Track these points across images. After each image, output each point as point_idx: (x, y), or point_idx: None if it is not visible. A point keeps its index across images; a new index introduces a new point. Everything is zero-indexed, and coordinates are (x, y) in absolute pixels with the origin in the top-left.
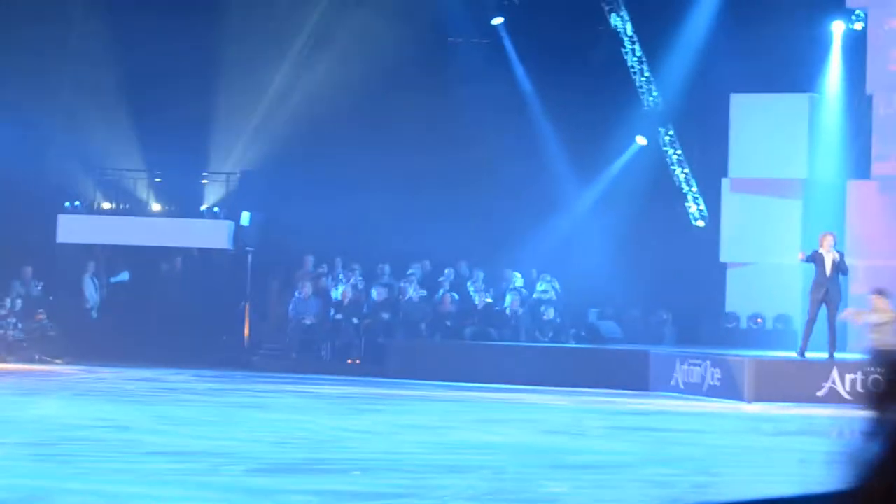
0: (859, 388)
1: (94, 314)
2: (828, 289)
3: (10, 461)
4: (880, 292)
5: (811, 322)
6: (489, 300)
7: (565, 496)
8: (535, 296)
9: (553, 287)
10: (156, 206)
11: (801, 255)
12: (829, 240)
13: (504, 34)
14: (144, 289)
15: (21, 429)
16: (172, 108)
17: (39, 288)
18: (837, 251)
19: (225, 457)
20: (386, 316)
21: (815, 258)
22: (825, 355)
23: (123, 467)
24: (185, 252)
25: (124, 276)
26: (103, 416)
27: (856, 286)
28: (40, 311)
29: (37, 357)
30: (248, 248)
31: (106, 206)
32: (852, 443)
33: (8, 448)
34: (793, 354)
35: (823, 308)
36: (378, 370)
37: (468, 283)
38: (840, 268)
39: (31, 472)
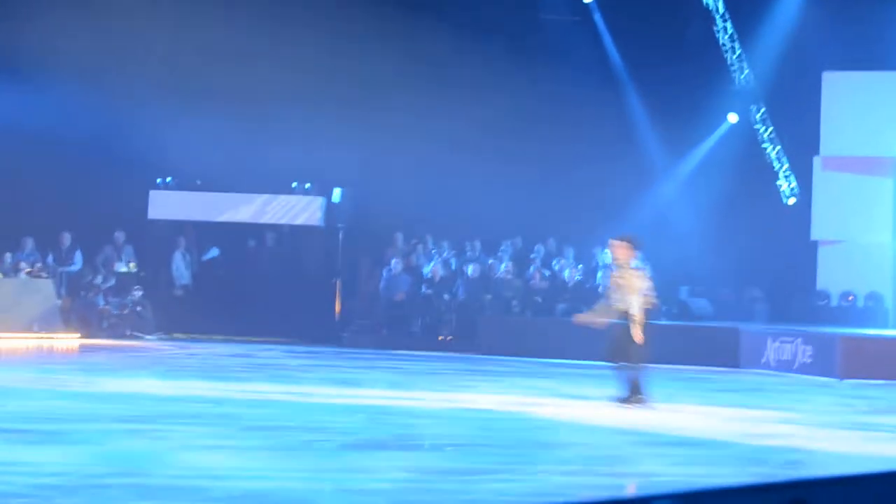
0: None
1: (183, 291)
2: None
3: (105, 436)
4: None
5: None
6: (578, 277)
7: (659, 472)
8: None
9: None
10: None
11: None
12: None
13: (596, 11)
14: (236, 265)
15: (116, 404)
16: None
17: (132, 262)
18: None
19: (318, 432)
20: (478, 292)
21: None
22: None
23: (218, 442)
24: (276, 228)
25: (214, 252)
26: (197, 392)
27: None
28: (137, 286)
29: (128, 332)
30: (339, 225)
31: (198, 182)
32: None
33: (103, 422)
34: (885, 332)
35: None
36: (469, 346)
37: (553, 261)
38: None
39: (126, 447)
